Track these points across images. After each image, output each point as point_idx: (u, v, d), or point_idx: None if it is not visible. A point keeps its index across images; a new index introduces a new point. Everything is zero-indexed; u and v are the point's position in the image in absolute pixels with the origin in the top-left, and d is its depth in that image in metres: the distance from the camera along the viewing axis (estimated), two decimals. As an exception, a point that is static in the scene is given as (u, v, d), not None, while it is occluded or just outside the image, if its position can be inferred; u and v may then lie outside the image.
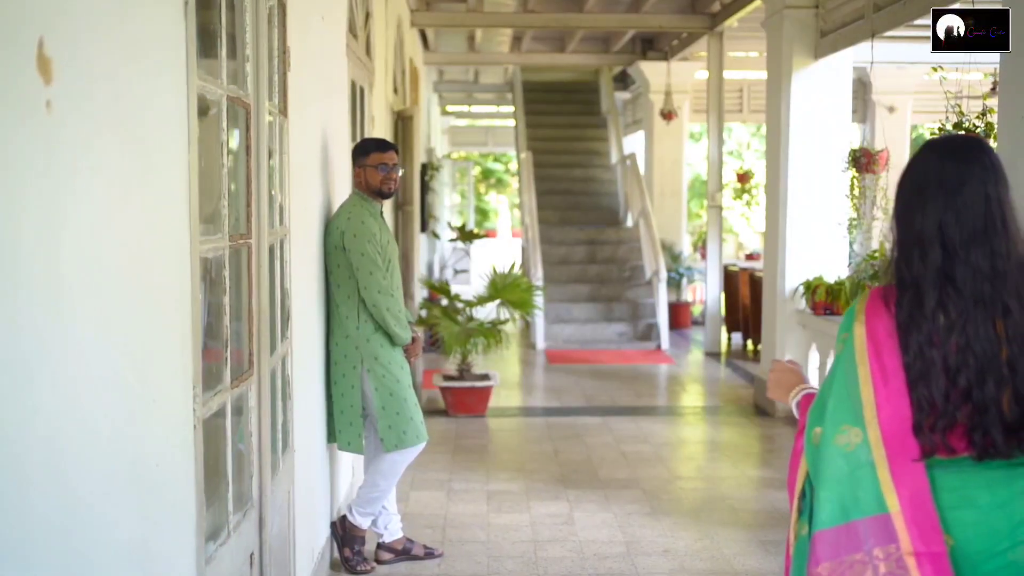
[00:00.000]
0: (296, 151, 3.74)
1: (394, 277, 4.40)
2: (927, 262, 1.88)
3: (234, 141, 2.91)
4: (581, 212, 13.69)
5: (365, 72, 6.12)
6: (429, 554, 4.59)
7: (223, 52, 2.62)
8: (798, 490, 2.03)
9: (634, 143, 15.71)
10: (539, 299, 9.08)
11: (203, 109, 2.53)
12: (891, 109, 13.50)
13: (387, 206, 7.23)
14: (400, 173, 4.55)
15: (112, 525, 1.87)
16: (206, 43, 2.59)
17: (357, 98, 5.92)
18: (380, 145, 4.49)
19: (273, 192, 3.30)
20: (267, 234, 3.10)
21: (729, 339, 11.78)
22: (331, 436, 4.43)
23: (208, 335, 2.69)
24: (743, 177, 12.19)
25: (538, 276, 11.07)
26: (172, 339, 2.19)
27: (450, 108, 20.59)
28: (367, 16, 6.36)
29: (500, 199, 33.39)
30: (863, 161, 6.48)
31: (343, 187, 4.80)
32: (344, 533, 4.45)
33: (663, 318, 11.39)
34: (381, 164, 4.40)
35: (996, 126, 4.72)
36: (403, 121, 8.08)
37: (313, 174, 4.21)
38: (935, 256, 1.88)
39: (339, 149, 4.79)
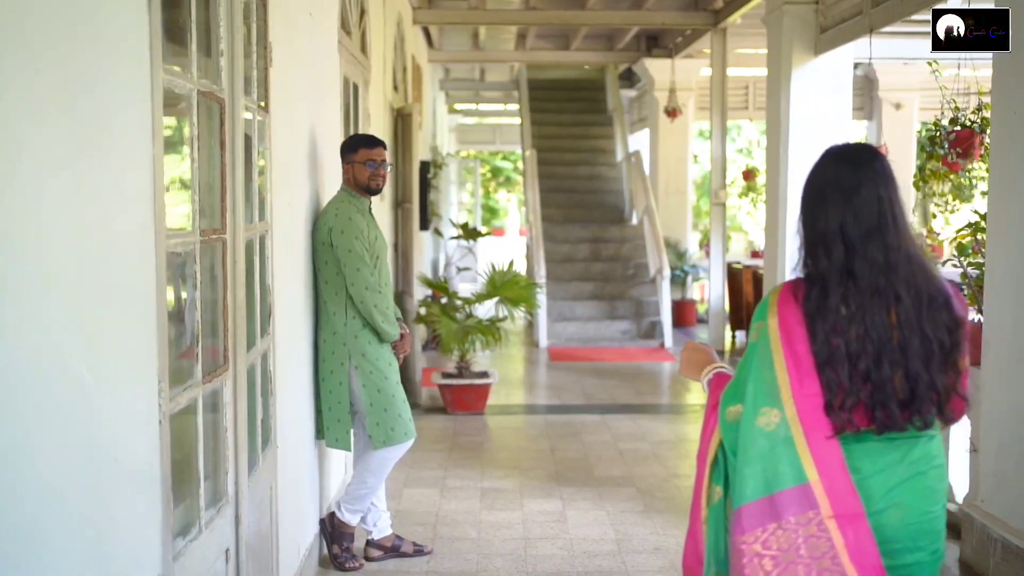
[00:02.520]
0: (280, 147, 3.72)
1: (382, 274, 4.39)
2: (832, 258, 2.10)
3: (210, 137, 2.89)
4: (585, 210, 13.65)
5: (360, 69, 6.11)
6: (418, 551, 4.58)
7: (194, 46, 2.60)
8: (710, 459, 2.25)
9: (639, 141, 15.66)
10: (541, 297, 9.05)
11: (172, 103, 2.51)
12: (897, 106, 13.43)
13: (386, 204, 7.23)
14: (388, 169, 4.53)
15: (67, 520, 1.85)
16: (176, 37, 2.58)
17: (351, 95, 5.91)
18: (368, 141, 4.48)
19: (252, 188, 3.28)
20: (244, 229, 3.08)
21: (733, 337, 11.72)
22: (319, 432, 4.43)
23: (181, 330, 2.68)
24: (748, 175, 12.12)
25: (541, 274, 11.05)
26: (134, 334, 2.17)
27: (458, 106, 20.56)
28: (362, 13, 6.34)
29: (509, 197, 33.36)
30: (861, 157, 6.43)
31: (334, 184, 4.78)
32: (332, 530, 4.44)
33: (666, 316, 11.35)
34: (369, 160, 4.38)
35: (991, 121, 4.69)
36: (402, 118, 8.06)
37: (300, 170, 4.20)
38: (838, 253, 2.09)
39: (330, 146, 4.78)
